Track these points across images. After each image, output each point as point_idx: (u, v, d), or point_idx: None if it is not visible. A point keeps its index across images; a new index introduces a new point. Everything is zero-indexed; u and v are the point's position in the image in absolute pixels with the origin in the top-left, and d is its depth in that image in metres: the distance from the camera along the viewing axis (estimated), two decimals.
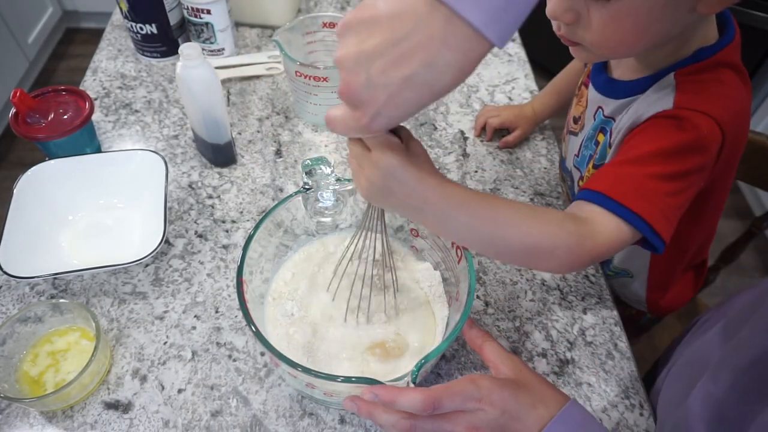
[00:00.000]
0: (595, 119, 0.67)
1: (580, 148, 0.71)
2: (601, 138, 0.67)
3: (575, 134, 0.73)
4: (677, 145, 0.53)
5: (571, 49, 0.59)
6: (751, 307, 0.50)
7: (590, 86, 0.69)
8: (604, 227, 0.52)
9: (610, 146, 0.64)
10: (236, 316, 0.66)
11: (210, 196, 0.78)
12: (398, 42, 0.35)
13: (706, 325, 0.64)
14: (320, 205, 0.62)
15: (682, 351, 0.64)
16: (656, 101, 0.57)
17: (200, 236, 0.73)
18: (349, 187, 0.62)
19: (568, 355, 0.64)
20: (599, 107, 0.67)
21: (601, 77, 0.66)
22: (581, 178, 0.72)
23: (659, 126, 0.55)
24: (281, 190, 0.79)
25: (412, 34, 0.35)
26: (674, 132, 0.54)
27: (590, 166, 0.69)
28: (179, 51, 0.68)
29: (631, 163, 0.54)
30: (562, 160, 0.80)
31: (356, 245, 0.57)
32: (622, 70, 0.64)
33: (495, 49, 1.03)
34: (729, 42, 0.56)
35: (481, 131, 0.89)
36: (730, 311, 0.58)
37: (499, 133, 0.88)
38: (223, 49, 0.96)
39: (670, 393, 0.58)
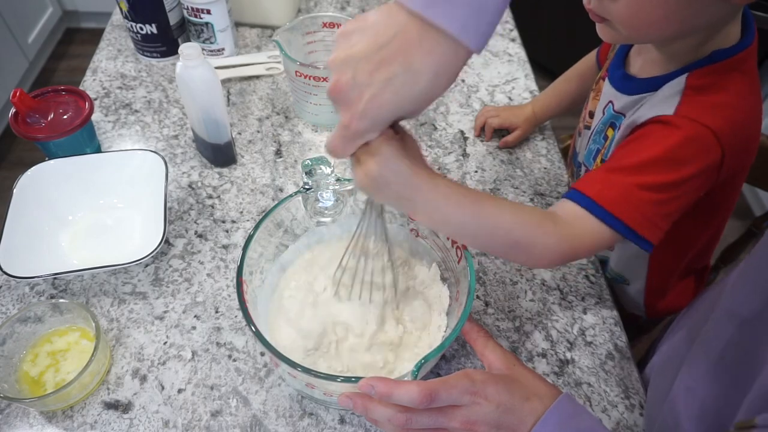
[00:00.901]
0: (604, 113, 0.68)
1: (588, 142, 0.72)
2: (610, 133, 0.67)
3: (590, 128, 0.73)
4: (669, 154, 0.54)
5: (597, 27, 0.59)
6: (713, 301, 0.51)
7: (606, 80, 0.69)
8: (586, 229, 0.54)
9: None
10: (236, 316, 0.66)
11: (210, 196, 0.78)
12: (381, 47, 0.40)
13: (681, 323, 0.65)
14: (320, 205, 0.62)
15: (661, 349, 0.65)
16: (660, 103, 0.57)
17: (200, 236, 0.73)
18: (349, 187, 0.62)
19: (568, 355, 0.64)
20: (610, 101, 0.67)
21: (618, 72, 0.66)
22: (587, 172, 0.72)
23: (654, 133, 0.56)
24: (281, 190, 0.79)
25: (392, 40, 0.39)
26: (668, 140, 0.54)
27: (598, 160, 0.69)
28: (179, 51, 0.68)
29: (622, 171, 0.55)
30: (575, 155, 0.80)
31: (356, 244, 0.57)
32: (640, 65, 0.64)
33: (495, 49, 1.03)
34: (747, 46, 0.56)
35: (481, 131, 0.89)
36: (699, 309, 0.59)
37: (499, 133, 0.88)
38: (223, 49, 0.96)
39: (654, 390, 0.59)
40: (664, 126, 0.55)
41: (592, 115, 0.73)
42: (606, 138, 0.67)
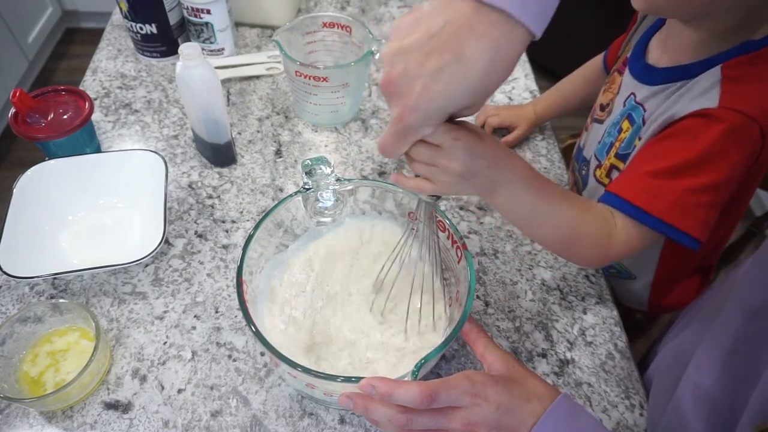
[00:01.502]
0: (625, 105, 0.68)
1: (603, 135, 0.71)
2: (625, 125, 0.67)
3: (601, 122, 0.73)
4: (716, 148, 0.54)
5: None
6: (720, 299, 0.51)
7: (626, 73, 0.69)
8: (634, 236, 0.56)
9: (639, 138, 0.64)
10: (236, 316, 0.65)
11: (210, 196, 0.78)
12: (432, 36, 0.38)
13: (683, 322, 0.65)
14: (320, 205, 0.62)
15: (664, 349, 0.65)
16: (699, 96, 0.57)
17: (200, 236, 0.73)
18: (349, 187, 0.62)
19: (568, 355, 0.64)
20: (632, 93, 0.67)
21: (639, 63, 0.67)
22: (599, 166, 0.72)
23: (695, 128, 0.56)
24: (281, 190, 0.79)
25: (444, 28, 0.37)
26: (711, 133, 0.54)
27: (612, 154, 0.69)
28: (179, 51, 0.68)
29: (670, 175, 0.55)
30: (579, 150, 0.80)
31: (404, 252, 0.57)
32: (659, 56, 0.65)
33: None
34: None
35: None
36: (703, 307, 0.59)
37: (499, 133, 0.88)
38: (223, 49, 0.96)
39: (657, 391, 0.59)
40: (707, 120, 0.55)
41: (603, 108, 0.73)
42: (620, 131, 0.67)
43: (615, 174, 0.69)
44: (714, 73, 0.57)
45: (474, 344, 0.52)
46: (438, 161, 0.45)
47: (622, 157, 0.67)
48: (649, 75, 0.64)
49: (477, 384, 0.45)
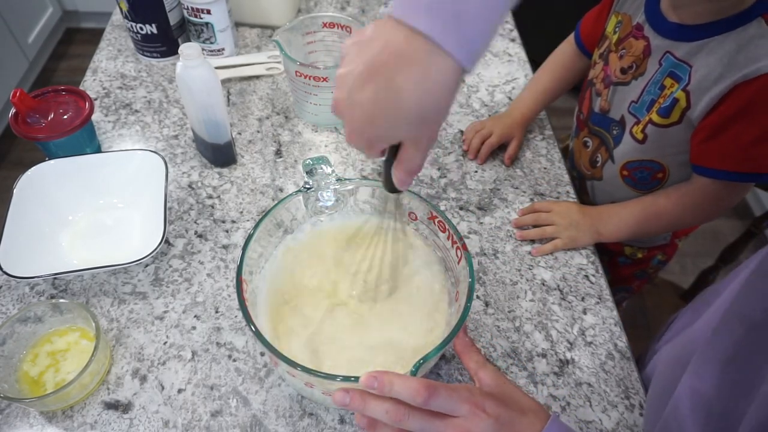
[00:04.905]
0: (661, 65, 0.70)
1: (641, 94, 0.74)
2: (669, 82, 0.69)
3: (626, 84, 0.76)
4: None
5: None
6: (717, 302, 0.51)
7: (651, 35, 0.71)
8: (732, 194, 0.71)
9: (687, 92, 0.67)
10: (236, 316, 0.66)
11: (210, 196, 0.78)
12: (368, 63, 0.39)
13: (680, 323, 0.65)
14: (321, 204, 0.62)
15: (662, 349, 0.65)
16: (757, 48, 0.61)
17: (200, 236, 0.73)
18: (350, 187, 0.62)
19: (568, 355, 0.64)
20: (667, 52, 0.69)
21: (669, 24, 0.69)
22: (637, 123, 0.75)
23: None
24: (281, 190, 0.79)
25: (380, 53, 0.39)
26: None
27: (654, 110, 0.72)
28: (179, 51, 0.68)
29: None
30: (593, 114, 0.83)
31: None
32: (683, 17, 0.67)
33: (495, 50, 1.03)
34: None
35: (476, 152, 0.85)
36: (699, 309, 0.59)
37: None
38: (223, 49, 0.97)
39: (655, 391, 0.59)
40: None
41: (625, 71, 0.76)
42: (663, 88, 0.70)
43: (650, 128, 0.73)
44: (758, 25, 0.61)
45: (466, 360, 0.52)
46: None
47: (663, 111, 0.70)
48: (683, 33, 0.67)
49: (476, 395, 0.45)
